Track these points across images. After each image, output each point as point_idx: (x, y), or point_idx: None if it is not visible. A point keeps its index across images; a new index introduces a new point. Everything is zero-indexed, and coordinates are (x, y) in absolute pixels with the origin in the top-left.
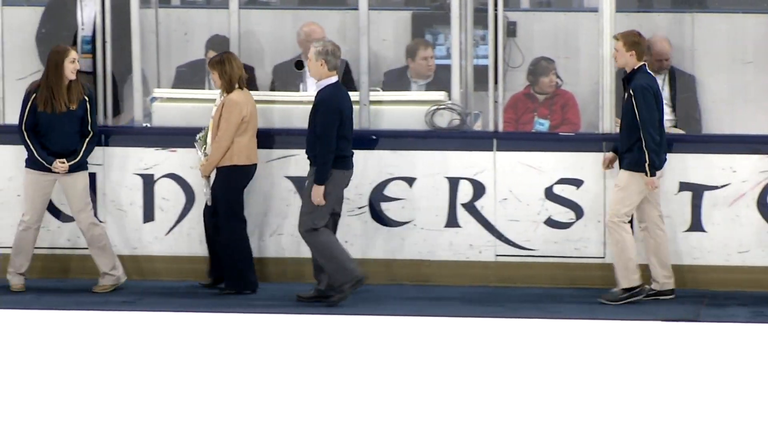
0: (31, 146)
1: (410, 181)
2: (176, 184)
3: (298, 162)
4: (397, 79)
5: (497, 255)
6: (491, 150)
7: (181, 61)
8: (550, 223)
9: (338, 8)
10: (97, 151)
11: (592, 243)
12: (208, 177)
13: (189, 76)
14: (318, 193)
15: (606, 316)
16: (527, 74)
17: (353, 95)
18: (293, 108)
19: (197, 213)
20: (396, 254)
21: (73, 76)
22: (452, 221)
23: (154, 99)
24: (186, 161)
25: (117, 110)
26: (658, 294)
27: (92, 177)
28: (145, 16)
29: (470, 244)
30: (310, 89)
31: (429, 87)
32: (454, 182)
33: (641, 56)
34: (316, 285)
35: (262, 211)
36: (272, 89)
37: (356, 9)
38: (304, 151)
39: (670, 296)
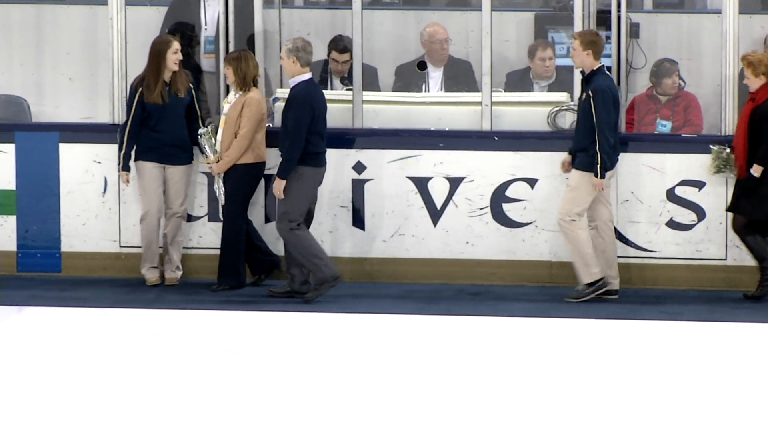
0: (124, 145)
1: (532, 182)
2: None
3: (419, 162)
4: (519, 80)
5: (618, 256)
6: None
7: None
8: (672, 224)
9: (461, 9)
10: None
11: (714, 245)
12: (219, 175)
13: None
14: (279, 187)
15: (727, 318)
16: (650, 75)
17: (474, 96)
18: (416, 109)
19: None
20: (517, 255)
21: (176, 67)
22: None
23: (276, 99)
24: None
25: None
26: (606, 293)
27: (209, 176)
28: (268, 17)
29: None
30: (433, 90)
31: (551, 88)
32: None
33: (598, 56)
34: (289, 281)
35: (383, 212)
36: (395, 90)
37: (479, 10)
38: (425, 151)
39: (615, 296)
